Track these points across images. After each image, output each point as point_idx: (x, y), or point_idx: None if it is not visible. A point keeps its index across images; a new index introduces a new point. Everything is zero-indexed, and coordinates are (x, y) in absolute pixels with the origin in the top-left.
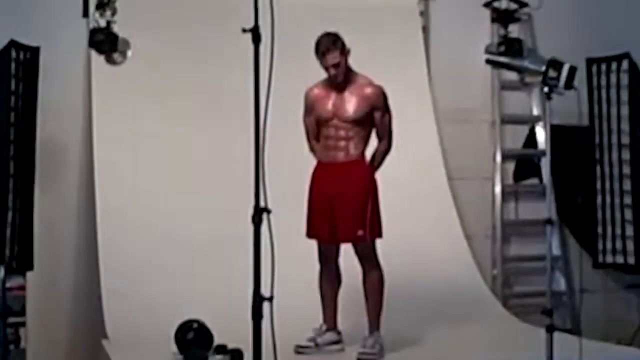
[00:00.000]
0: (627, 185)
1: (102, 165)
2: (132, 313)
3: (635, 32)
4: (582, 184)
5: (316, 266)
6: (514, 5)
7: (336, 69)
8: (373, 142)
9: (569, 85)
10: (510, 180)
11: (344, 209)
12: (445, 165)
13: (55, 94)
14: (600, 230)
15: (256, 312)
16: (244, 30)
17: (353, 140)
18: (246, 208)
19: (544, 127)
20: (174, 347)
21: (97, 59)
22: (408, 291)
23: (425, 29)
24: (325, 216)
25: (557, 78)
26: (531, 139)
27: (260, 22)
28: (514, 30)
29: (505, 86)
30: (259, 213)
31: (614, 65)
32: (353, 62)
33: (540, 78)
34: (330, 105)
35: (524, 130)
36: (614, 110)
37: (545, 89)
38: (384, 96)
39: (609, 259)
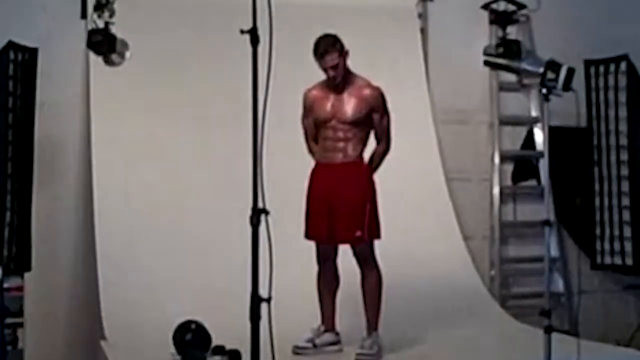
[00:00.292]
0: (625, 186)
1: (100, 166)
2: (130, 314)
3: (633, 34)
4: (580, 186)
5: (314, 267)
6: (512, 7)
7: (335, 70)
8: (371, 143)
9: (567, 86)
10: (508, 182)
11: (342, 210)
12: (444, 166)
13: (53, 95)
14: (598, 231)
15: (254, 313)
16: (242, 32)
17: (351, 142)
18: (245, 209)
19: (542, 128)
20: (172, 348)
21: (95, 60)
22: (406, 292)
23: (424, 31)
24: (324, 217)
25: (556, 79)
26: (529, 141)
27: (259, 24)
28: (512, 32)
29: (503, 87)
30: (257, 214)
31: (612, 67)
32: (351, 63)
33: (538, 79)
34: (328, 106)
35: (522, 131)
36: (612, 112)
37: (544, 91)
38: (382, 97)
39: (607, 260)
